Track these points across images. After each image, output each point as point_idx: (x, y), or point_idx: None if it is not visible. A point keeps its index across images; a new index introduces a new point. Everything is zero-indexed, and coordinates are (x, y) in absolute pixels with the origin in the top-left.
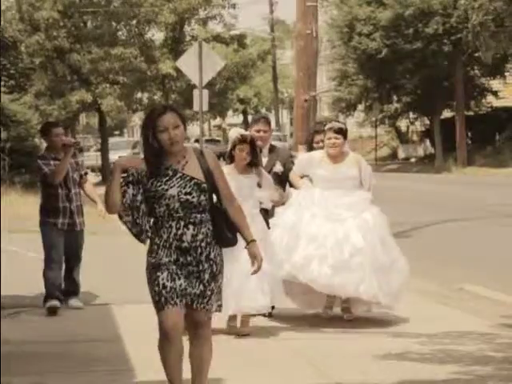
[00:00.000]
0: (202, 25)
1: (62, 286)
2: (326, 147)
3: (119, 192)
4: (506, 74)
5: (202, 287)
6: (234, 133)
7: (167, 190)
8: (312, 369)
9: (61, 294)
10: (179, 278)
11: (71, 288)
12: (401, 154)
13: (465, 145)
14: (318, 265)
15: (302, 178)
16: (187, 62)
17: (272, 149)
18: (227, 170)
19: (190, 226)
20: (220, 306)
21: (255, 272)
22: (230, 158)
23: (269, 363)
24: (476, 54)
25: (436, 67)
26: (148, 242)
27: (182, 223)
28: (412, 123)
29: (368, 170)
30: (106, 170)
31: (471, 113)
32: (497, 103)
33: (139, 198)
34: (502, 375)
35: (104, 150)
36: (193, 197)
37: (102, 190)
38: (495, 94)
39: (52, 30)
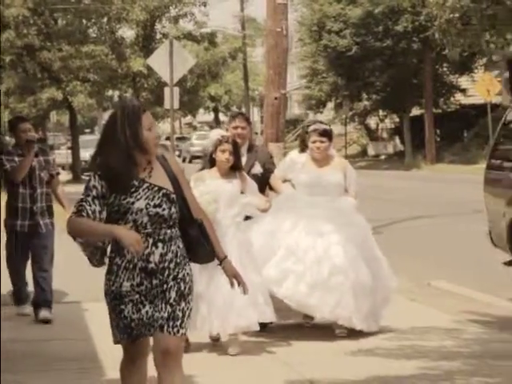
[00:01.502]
0: (173, 23)
1: (32, 293)
2: (310, 150)
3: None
4: (474, 71)
5: (169, 308)
6: (215, 134)
7: (134, 203)
8: (284, 366)
9: (27, 299)
10: (144, 306)
11: (40, 298)
12: (371, 152)
13: (434, 142)
14: (295, 282)
15: (284, 181)
16: (158, 60)
17: (251, 148)
18: (209, 173)
19: (159, 244)
20: (189, 330)
21: (245, 291)
22: (211, 162)
23: (241, 359)
24: (444, 52)
25: (405, 65)
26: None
27: (151, 241)
28: (382, 121)
29: (353, 176)
30: (76, 168)
31: (440, 110)
32: (465, 101)
33: (104, 214)
34: (467, 370)
35: (75, 148)
36: (163, 209)
37: (72, 188)
38: (463, 91)
39: (22, 28)
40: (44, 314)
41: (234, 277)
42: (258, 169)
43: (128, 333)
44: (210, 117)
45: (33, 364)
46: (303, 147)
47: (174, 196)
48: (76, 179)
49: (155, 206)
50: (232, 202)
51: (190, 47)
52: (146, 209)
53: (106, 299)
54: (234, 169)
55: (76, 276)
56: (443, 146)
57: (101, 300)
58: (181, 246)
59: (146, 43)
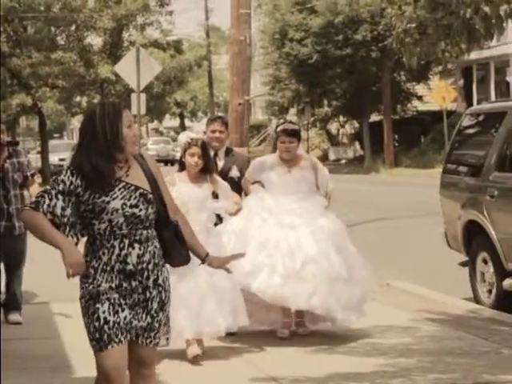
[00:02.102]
0: (140, 31)
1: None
2: (280, 151)
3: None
4: (430, 79)
5: (149, 319)
6: (184, 136)
7: (109, 202)
8: (247, 364)
9: None
10: (123, 310)
11: (11, 301)
12: (331, 156)
13: (392, 147)
14: (268, 274)
15: (254, 183)
16: (125, 67)
17: (228, 152)
18: (178, 177)
19: (136, 245)
20: (168, 339)
21: (240, 256)
22: (181, 165)
23: (203, 360)
24: (402, 61)
25: (364, 72)
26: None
27: (127, 242)
28: (342, 126)
29: (325, 174)
30: (46, 172)
31: (398, 116)
32: (422, 107)
33: (68, 212)
34: (424, 367)
35: (44, 152)
36: (140, 210)
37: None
38: (420, 98)
39: None
40: (14, 317)
41: (224, 266)
42: (235, 172)
43: (98, 337)
44: (176, 122)
45: (4, 363)
46: (274, 150)
47: (151, 196)
48: (45, 182)
49: (131, 207)
50: (202, 206)
51: (157, 54)
52: (122, 209)
53: (80, 303)
54: (205, 172)
55: (45, 276)
56: (401, 150)
57: (71, 300)
58: (158, 246)
59: (114, 50)
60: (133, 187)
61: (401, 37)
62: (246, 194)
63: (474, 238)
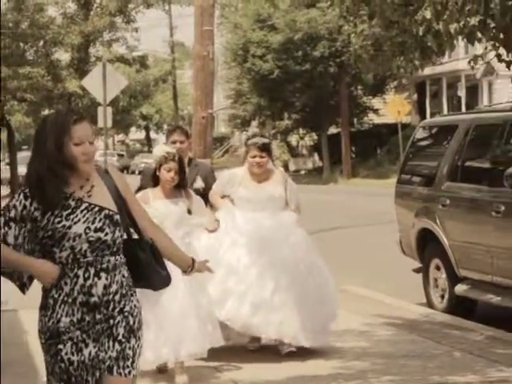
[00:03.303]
0: (107, 46)
1: None
2: (250, 165)
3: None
4: (386, 93)
5: (118, 346)
6: (159, 150)
7: (70, 227)
8: (209, 368)
9: None
10: (87, 346)
11: None
12: (292, 167)
13: (349, 158)
14: (237, 302)
15: (222, 197)
16: (92, 81)
17: (190, 162)
18: (152, 194)
19: (102, 274)
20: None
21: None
22: (155, 180)
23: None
24: (359, 75)
25: (323, 87)
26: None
27: (92, 271)
28: (302, 138)
29: (294, 189)
30: (14, 183)
31: (355, 129)
32: (377, 120)
33: (20, 240)
34: (378, 369)
35: (13, 164)
36: (105, 234)
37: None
38: (376, 111)
39: None
40: None
41: (208, 270)
42: (199, 183)
43: (66, 380)
44: (142, 134)
45: None
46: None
47: (118, 217)
48: (14, 193)
49: (96, 230)
50: (180, 223)
51: (123, 69)
52: (86, 234)
53: (40, 339)
54: (179, 187)
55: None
56: (358, 161)
57: (36, 307)
58: (126, 274)
59: (81, 65)
60: (97, 208)
61: (358, 53)
62: (213, 207)
63: (427, 246)
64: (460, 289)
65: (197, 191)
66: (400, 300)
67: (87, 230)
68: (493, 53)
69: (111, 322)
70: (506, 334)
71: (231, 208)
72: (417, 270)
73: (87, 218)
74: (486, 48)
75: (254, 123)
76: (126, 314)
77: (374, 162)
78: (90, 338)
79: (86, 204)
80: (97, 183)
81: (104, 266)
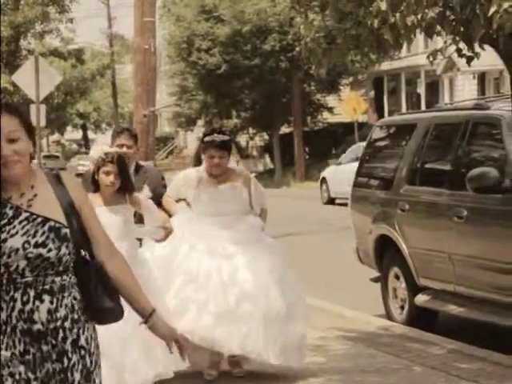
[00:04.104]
0: (39, 39)
1: None
2: (207, 166)
3: None
4: (341, 90)
5: None
6: (97, 151)
7: (5, 240)
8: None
9: None
10: None
11: None
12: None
13: (302, 160)
14: (197, 312)
15: (177, 201)
16: (23, 77)
17: (138, 169)
18: (92, 199)
19: (46, 297)
20: None
21: (183, 351)
22: (94, 185)
23: None
24: (312, 71)
25: (274, 83)
26: None
27: (32, 293)
28: (251, 138)
29: (259, 190)
30: None
31: (308, 128)
32: (332, 119)
33: None
34: None
35: None
36: (48, 250)
37: None
38: (330, 110)
39: None
40: None
41: (169, 337)
42: (146, 192)
43: None
44: (79, 134)
45: None
46: (197, 163)
47: (66, 231)
48: None
49: (37, 246)
50: (123, 232)
51: (57, 63)
52: (24, 249)
53: None
54: (123, 191)
55: None
56: (312, 163)
57: None
58: (78, 296)
59: (11, 59)
60: (39, 219)
61: (309, 46)
62: (168, 214)
63: (385, 253)
64: (420, 299)
65: None
66: (357, 312)
67: (26, 245)
68: (453, 47)
69: (65, 362)
70: (469, 348)
71: (187, 212)
72: (375, 280)
73: (27, 231)
74: (445, 42)
75: (200, 122)
76: (83, 352)
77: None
78: (37, 380)
79: (27, 214)
80: (43, 191)
81: (47, 287)
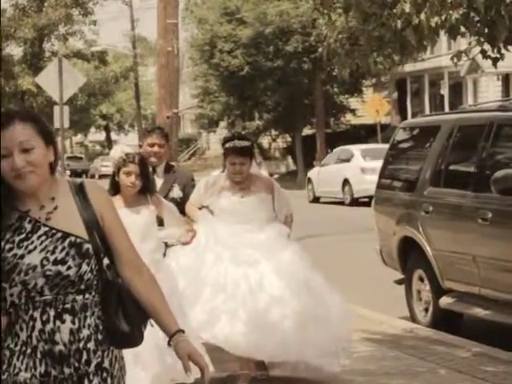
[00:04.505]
0: (63, 41)
1: None
2: (229, 173)
3: None
4: (364, 92)
5: None
6: (117, 152)
7: (23, 256)
8: None
9: None
10: None
11: None
12: (263, 171)
13: None
14: (229, 322)
15: (200, 208)
16: (47, 78)
17: (169, 168)
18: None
19: (67, 317)
20: None
21: (205, 375)
22: (114, 187)
23: None
24: (334, 73)
25: (296, 85)
26: None
27: (52, 312)
28: (274, 140)
29: (283, 197)
30: None
31: (331, 130)
32: (355, 121)
33: None
34: None
35: None
36: (68, 267)
37: None
38: (353, 111)
39: None
40: None
41: (188, 358)
42: (177, 192)
43: None
44: (102, 135)
45: None
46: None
47: (88, 246)
48: None
49: (56, 263)
50: (146, 235)
51: (81, 65)
52: (42, 266)
53: None
54: (144, 192)
55: None
56: None
57: None
58: (103, 317)
59: (35, 61)
60: (59, 234)
61: (332, 47)
62: (190, 220)
63: (409, 255)
64: (445, 302)
65: (173, 201)
66: (382, 314)
67: (44, 262)
68: (477, 48)
69: (86, 382)
70: (495, 351)
71: (211, 220)
72: (399, 282)
73: (45, 247)
74: (469, 43)
75: (223, 123)
76: (105, 374)
77: None
78: None
79: (46, 229)
80: (64, 203)
81: (68, 306)
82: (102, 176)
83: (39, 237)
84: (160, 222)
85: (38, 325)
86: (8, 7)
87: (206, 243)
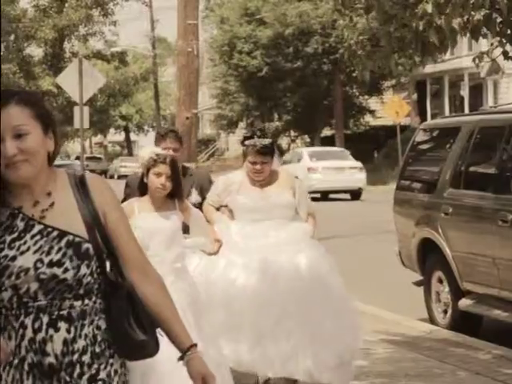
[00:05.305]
0: (83, 41)
1: None
2: (249, 171)
3: None
4: (383, 93)
5: None
6: (147, 152)
7: (15, 257)
8: None
9: None
10: None
11: None
12: None
13: None
14: (235, 336)
15: (218, 208)
16: (67, 79)
17: (184, 172)
18: (138, 205)
19: (62, 325)
20: None
21: None
22: (142, 189)
23: None
24: (354, 74)
25: (316, 86)
26: None
27: (46, 319)
28: (293, 141)
29: (304, 193)
30: None
31: (350, 131)
32: (374, 122)
33: None
34: None
35: None
36: (65, 270)
37: None
38: (373, 112)
39: None
40: None
41: (201, 378)
42: (195, 197)
43: None
44: (121, 136)
45: None
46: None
47: (87, 246)
48: None
49: (51, 265)
50: (171, 242)
51: (100, 66)
52: (36, 269)
53: None
54: (173, 197)
55: None
56: None
57: None
58: (103, 326)
59: (55, 62)
60: (55, 233)
61: (353, 48)
62: (208, 221)
63: (428, 257)
64: (464, 304)
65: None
66: (400, 315)
67: (38, 264)
68: (499, 50)
69: None
70: None
71: (227, 222)
72: (418, 283)
73: (40, 247)
74: (491, 44)
75: (242, 124)
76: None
77: (370, 167)
78: None
79: (41, 227)
80: (62, 198)
81: (64, 312)
82: (120, 177)
83: (33, 236)
84: (184, 229)
85: (29, 333)
86: (29, 8)
87: (221, 250)
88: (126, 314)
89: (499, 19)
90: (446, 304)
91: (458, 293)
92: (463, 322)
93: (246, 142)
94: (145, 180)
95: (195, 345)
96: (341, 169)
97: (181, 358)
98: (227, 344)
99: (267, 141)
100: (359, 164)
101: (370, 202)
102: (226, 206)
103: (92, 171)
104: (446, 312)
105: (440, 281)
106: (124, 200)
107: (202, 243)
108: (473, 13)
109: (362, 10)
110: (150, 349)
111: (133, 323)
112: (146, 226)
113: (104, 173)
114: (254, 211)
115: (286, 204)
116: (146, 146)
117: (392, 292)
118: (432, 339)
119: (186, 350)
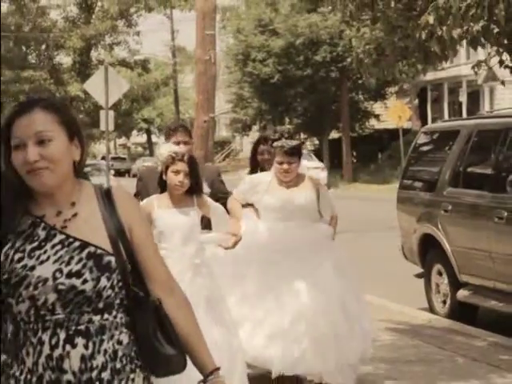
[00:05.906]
0: (108, 50)
1: None
2: (277, 172)
3: None
4: (387, 98)
5: None
6: (165, 150)
7: (33, 267)
8: None
9: None
10: None
11: None
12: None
13: (350, 163)
14: (250, 331)
15: (244, 206)
16: (94, 85)
17: None
18: (157, 201)
19: (79, 341)
20: None
21: None
22: (161, 186)
23: None
24: (360, 81)
25: (324, 92)
26: None
27: (63, 335)
28: (303, 143)
29: (327, 196)
30: None
31: (356, 134)
32: (378, 125)
33: None
34: (382, 374)
35: None
36: (84, 281)
37: None
38: (377, 117)
39: None
40: None
41: None
42: (205, 189)
43: None
44: (144, 138)
45: None
46: (253, 167)
47: (109, 259)
48: None
49: (70, 275)
50: (189, 238)
51: (124, 73)
52: (54, 279)
53: None
54: (191, 193)
55: None
56: (359, 166)
57: None
58: (125, 341)
59: (83, 69)
60: (76, 243)
61: (360, 57)
62: (231, 215)
63: (429, 251)
64: (462, 294)
65: None
66: (403, 305)
67: (57, 274)
68: (496, 58)
69: None
70: (508, 340)
71: (252, 220)
72: (419, 276)
73: (60, 257)
74: (489, 54)
75: (255, 127)
76: None
77: (374, 167)
78: None
79: (62, 237)
80: (86, 209)
81: (81, 327)
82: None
83: (54, 246)
84: (206, 225)
85: (46, 349)
86: (59, 19)
87: (241, 246)
88: (153, 328)
89: (497, 30)
90: (445, 295)
91: (456, 284)
92: (461, 312)
93: (275, 144)
94: (164, 177)
95: (218, 368)
96: (306, 168)
97: (203, 382)
98: (244, 337)
99: (294, 142)
100: (322, 164)
101: (373, 199)
102: (252, 205)
103: (116, 170)
104: (445, 302)
105: (439, 273)
106: (136, 194)
107: (218, 239)
108: (472, 24)
109: (369, 21)
110: (178, 364)
111: (161, 338)
112: (165, 222)
113: (127, 172)
114: (279, 211)
115: (310, 206)
116: (164, 145)
117: (395, 283)
118: (432, 327)
119: (208, 374)
